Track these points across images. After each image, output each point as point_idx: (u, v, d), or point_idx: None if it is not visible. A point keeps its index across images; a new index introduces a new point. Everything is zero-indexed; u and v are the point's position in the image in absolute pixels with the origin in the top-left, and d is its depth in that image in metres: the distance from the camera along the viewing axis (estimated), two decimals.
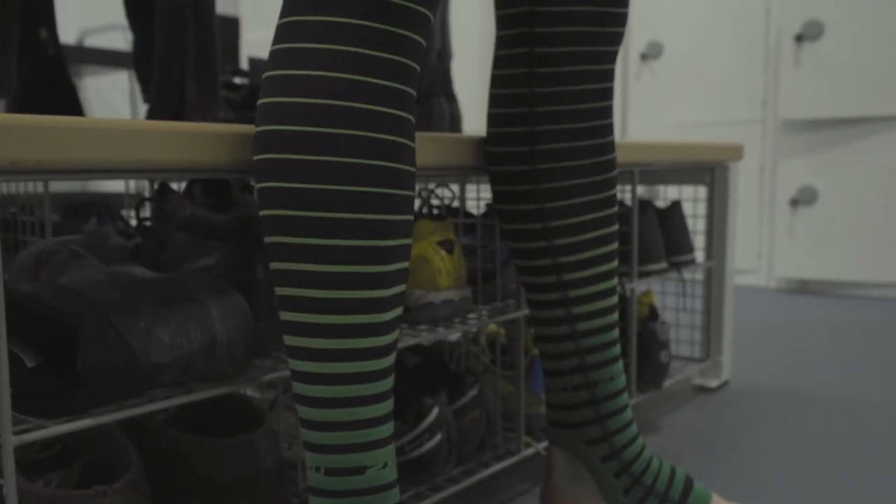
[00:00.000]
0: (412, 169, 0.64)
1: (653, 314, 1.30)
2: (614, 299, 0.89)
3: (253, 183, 0.96)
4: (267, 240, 0.62)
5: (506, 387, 1.11)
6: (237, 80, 1.67)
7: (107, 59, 3.19)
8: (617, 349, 0.89)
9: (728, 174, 1.47)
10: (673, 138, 2.87)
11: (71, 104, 1.22)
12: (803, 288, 2.67)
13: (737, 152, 1.47)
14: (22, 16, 1.15)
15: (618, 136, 3.02)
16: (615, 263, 0.89)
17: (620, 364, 0.89)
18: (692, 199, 1.53)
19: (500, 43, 0.86)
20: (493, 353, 1.15)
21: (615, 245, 0.89)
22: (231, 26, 4.08)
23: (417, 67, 0.64)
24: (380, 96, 0.60)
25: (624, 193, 1.46)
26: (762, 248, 2.72)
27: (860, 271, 2.50)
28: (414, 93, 0.64)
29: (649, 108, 2.92)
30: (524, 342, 1.06)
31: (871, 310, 2.32)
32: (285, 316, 0.62)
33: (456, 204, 1.51)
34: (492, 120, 0.87)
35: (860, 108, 2.42)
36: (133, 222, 1.54)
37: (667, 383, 1.33)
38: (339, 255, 0.60)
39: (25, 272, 0.76)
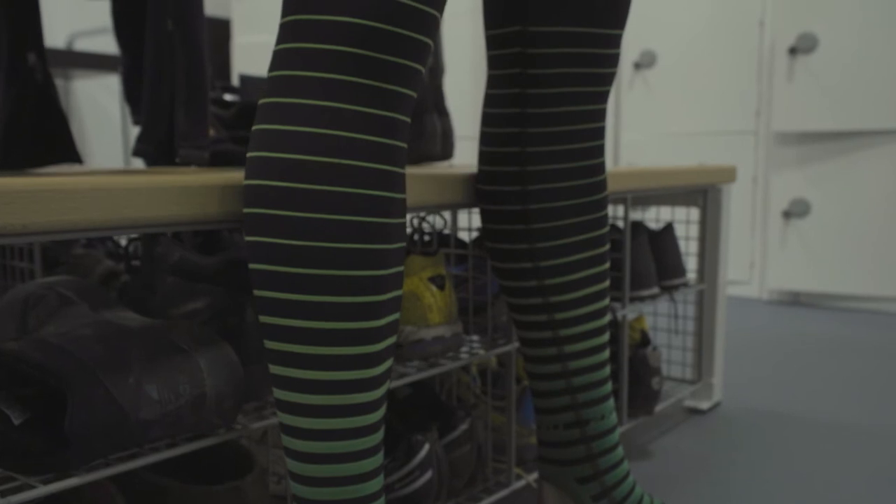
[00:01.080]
0: (402, 196, 0.63)
1: (644, 340, 1.30)
2: (605, 337, 0.88)
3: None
4: (256, 293, 0.61)
5: (497, 417, 1.11)
6: (227, 97, 1.66)
7: (96, 62, 3.17)
8: (608, 387, 0.89)
9: (721, 196, 1.47)
10: (665, 147, 2.87)
11: (60, 132, 1.21)
12: (795, 300, 2.67)
13: (729, 174, 1.47)
14: (9, 41, 1.14)
15: (610, 145, 3.02)
16: (606, 301, 0.89)
17: (612, 401, 0.89)
18: (685, 221, 1.53)
19: (492, 82, 0.85)
20: (483, 383, 1.15)
21: (606, 283, 0.88)
22: (222, 29, 4.06)
23: (409, 119, 0.64)
24: (370, 153, 0.60)
25: (616, 218, 1.46)
26: (754, 258, 2.73)
27: (853, 284, 2.50)
28: (407, 119, 0.63)
29: (642, 116, 2.92)
30: (515, 373, 1.05)
31: (864, 323, 2.32)
32: (274, 370, 0.62)
33: (447, 231, 1.50)
34: (483, 158, 0.87)
35: (854, 121, 2.42)
36: (123, 241, 1.53)
37: (658, 407, 1.33)
38: (329, 311, 0.60)
39: (13, 317, 0.75)
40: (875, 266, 2.47)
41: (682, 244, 2.70)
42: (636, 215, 2.84)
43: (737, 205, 2.73)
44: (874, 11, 2.35)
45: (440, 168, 1.11)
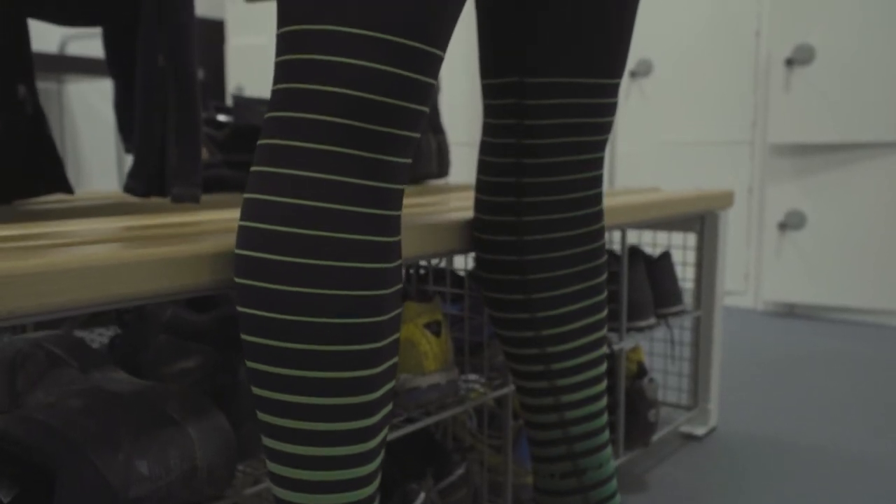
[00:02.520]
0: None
1: (641, 371, 1.29)
2: (603, 385, 0.88)
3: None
4: (248, 364, 0.60)
5: (493, 457, 1.10)
6: (221, 118, 1.64)
7: (89, 67, 3.15)
8: (605, 435, 0.88)
9: (718, 222, 1.46)
10: (661, 157, 2.86)
11: (51, 163, 1.19)
12: (790, 311, 2.67)
13: (726, 200, 1.46)
14: None
15: (605, 155, 3.00)
16: (604, 349, 0.88)
17: (609, 449, 0.88)
18: (681, 246, 1.52)
19: (488, 130, 0.84)
20: (480, 421, 1.14)
21: (604, 331, 0.87)
22: (216, 30, 4.03)
23: (404, 186, 0.63)
24: (363, 225, 0.59)
25: (612, 242, 1.45)
26: (749, 269, 2.72)
27: (848, 296, 2.50)
28: (403, 186, 0.62)
29: (637, 125, 2.91)
30: (511, 412, 1.04)
31: (859, 337, 2.32)
32: (263, 417, 0.60)
33: (443, 265, 1.49)
34: (479, 206, 0.86)
35: (851, 133, 2.41)
36: None
37: (655, 437, 1.32)
38: (322, 386, 0.58)
39: (1, 376, 0.74)
40: (871, 278, 2.46)
41: (678, 269, 2.69)
42: (633, 237, 2.83)
43: (732, 215, 2.73)
44: (872, 23, 2.34)
45: (436, 205, 1.10)
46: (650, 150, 2.88)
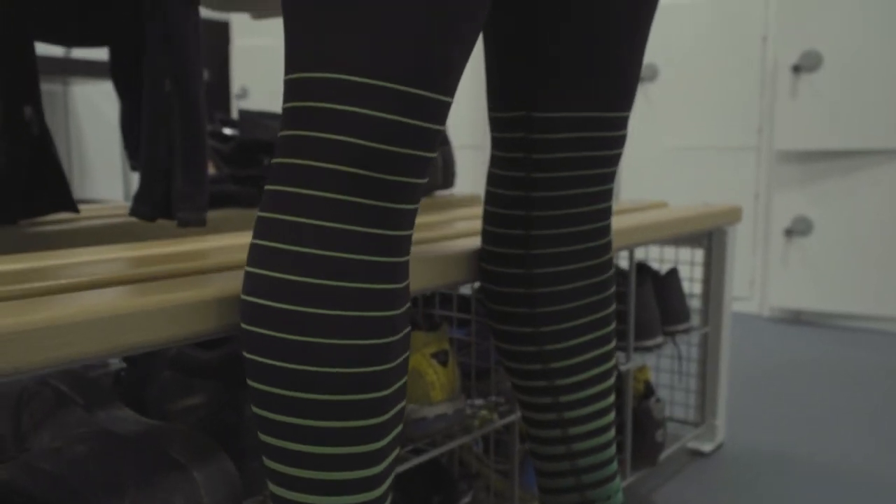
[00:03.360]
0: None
1: (648, 391, 1.28)
2: (611, 416, 0.87)
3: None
4: (254, 410, 0.59)
5: (499, 482, 1.10)
6: (227, 131, 1.64)
7: (94, 69, 3.14)
8: (614, 466, 0.87)
9: (725, 238, 1.45)
10: (666, 162, 2.84)
11: (56, 183, 1.19)
12: (797, 318, 2.66)
13: (735, 215, 1.45)
14: (5, 94, 1.12)
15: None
16: (611, 380, 0.87)
17: (618, 480, 0.88)
18: (689, 262, 1.51)
19: (495, 162, 0.83)
20: (486, 444, 1.13)
21: (612, 362, 0.87)
22: (221, 31, 4.03)
23: (411, 231, 0.62)
24: (370, 274, 0.58)
25: (619, 257, 1.44)
26: (755, 275, 2.71)
27: (855, 303, 2.49)
28: (410, 232, 0.61)
29: (643, 130, 2.90)
30: (518, 437, 1.04)
31: (866, 345, 2.31)
32: (268, 463, 0.60)
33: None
34: (487, 237, 0.85)
35: (858, 140, 2.40)
36: None
37: (662, 456, 1.31)
38: (329, 435, 0.58)
39: (7, 414, 0.73)
40: (878, 285, 2.45)
41: (686, 284, 2.67)
42: (640, 252, 2.82)
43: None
44: (879, 30, 2.33)
45: (441, 226, 1.09)
46: (656, 155, 2.87)
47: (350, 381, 0.58)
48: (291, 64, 0.58)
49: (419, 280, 0.82)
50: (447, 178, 1.84)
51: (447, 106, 0.60)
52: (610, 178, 0.83)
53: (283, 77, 0.60)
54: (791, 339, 2.39)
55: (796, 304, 2.59)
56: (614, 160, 0.82)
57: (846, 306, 2.50)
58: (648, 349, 1.28)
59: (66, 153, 3.86)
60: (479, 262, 0.87)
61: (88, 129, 3.82)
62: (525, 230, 0.82)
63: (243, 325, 0.59)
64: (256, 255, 0.59)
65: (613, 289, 0.86)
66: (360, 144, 0.56)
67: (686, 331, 1.37)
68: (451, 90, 0.59)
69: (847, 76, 2.39)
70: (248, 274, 0.60)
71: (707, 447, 1.49)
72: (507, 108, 0.79)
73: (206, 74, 4.25)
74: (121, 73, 1.25)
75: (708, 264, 1.46)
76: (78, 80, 3.30)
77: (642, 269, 1.38)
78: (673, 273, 1.38)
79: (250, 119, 1.57)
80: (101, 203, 3.34)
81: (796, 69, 2.44)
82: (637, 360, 1.25)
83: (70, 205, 1.22)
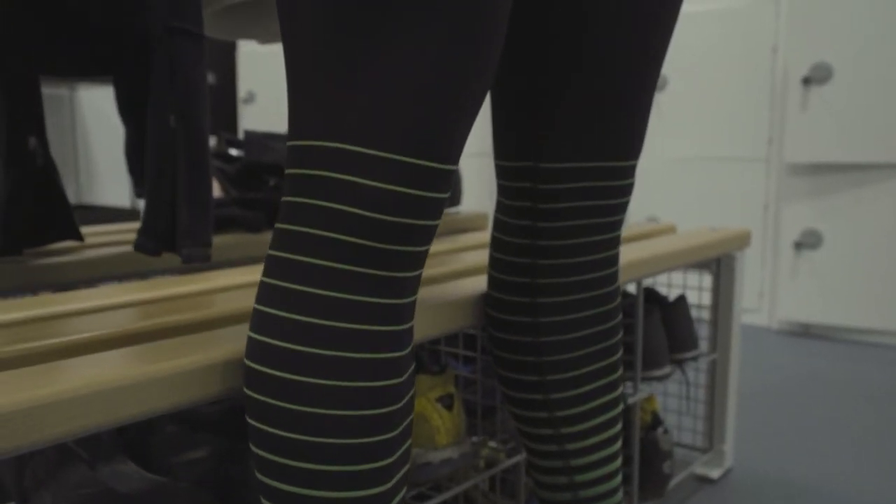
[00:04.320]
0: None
1: (655, 421, 1.28)
2: (617, 446, 0.86)
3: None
4: (258, 476, 0.59)
5: None
6: (232, 152, 1.64)
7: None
8: (618, 496, 0.87)
9: (734, 264, 1.44)
10: (674, 172, 2.83)
11: (60, 213, 1.19)
12: (806, 331, 2.64)
13: (744, 240, 1.44)
14: (9, 124, 1.12)
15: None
16: (618, 409, 0.86)
17: None
18: (697, 287, 1.50)
19: (502, 209, 0.82)
20: (492, 481, 1.12)
21: (618, 391, 0.86)
22: None
23: (415, 297, 0.61)
24: (372, 343, 0.57)
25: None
26: (764, 287, 2.70)
27: (865, 318, 2.47)
28: (414, 297, 0.61)
29: (652, 141, 2.88)
30: (524, 473, 1.03)
31: (877, 360, 2.29)
32: None
33: None
34: (493, 283, 0.84)
35: (868, 154, 2.38)
36: None
37: (670, 486, 1.30)
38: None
39: (9, 471, 0.73)
40: (888, 300, 2.43)
41: (693, 310, 2.66)
42: (647, 279, 2.81)
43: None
44: (890, 44, 2.31)
45: (447, 261, 1.08)
46: (665, 165, 2.85)
47: (352, 451, 0.57)
48: (295, 130, 0.57)
49: (424, 327, 0.81)
50: (454, 196, 1.83)
51: (451, 173, 0.59)
52: (617, 225, 0.82)
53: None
54: (800, 353, 2.37)
55: (805, 318, 2.57)
56: (622, 208, 0.81)
57: (856, 320, 2.49)
58: (656, 379, 1.27)
59: (73, 157, 3.86)
60: (486, 307, 0.86)
61: (95, 134, 3.82)
62: (531, 278, 0.81)
63: (246, 391, 0.59)
64: (259, 320, 0.59)
65: (620, 317, 0.85)
66: (362, 215, 0.55)
67: (694, 358, 1.36)
68: (455, 158, 0.58)
69: (857, 89, 2.37)
70: (250, 339, 0.59)
71: (715, 473, 1.48)
72: (513, 158, 0.78)
73: (212, 78, 4.25)
74: (126, 101, 1.25)
75: (716, 290, 1.45)
76: (84, 84, 3.30)
77: (650, 296, 1.37)
78: (681, 300, 1.37)
79: (256, 141, 1.56)
80: (105, 208, 3.33)
81: (806, 81, 2.42)
82: (644, 390, 1.24)
83: (74, 233, 1.22)
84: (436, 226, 0.59)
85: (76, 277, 1.12)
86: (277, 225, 0.59)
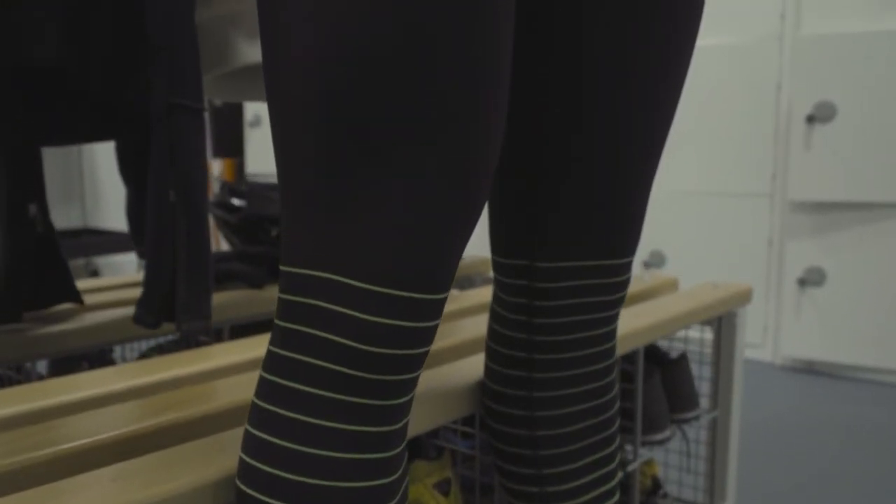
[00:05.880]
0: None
1: (655, 485, 1.27)
2: None
3: None
4: None
5: None
6: (235, 201, 1.64)
7: None
8: None
9: (735, 321, 1.43)
10: (677, 206, 2.83)
11: (60, 278, 1.19)
12: (809, 368, 2.63)
13: (745, 297, 1.44)
14: (9, 192, 1.12)
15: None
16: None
17: None
18: (698, 344, 1.50)
19: (498, 301, 0.82)
20: None
21: (614, 482, 0.85)
22: None
23: (407, 420, 0.61)
24: (363, 472, 0.57)
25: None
26: (768, 322, 2.69)
27: (870, 356, 2.46)
28: (406, 421, 0.61)
29: (657, 174, 2.88)
30: None
31: (882, 401, 2.28)
32: None
33: None
34: (489, 374, 0.84)
35: (871, 193, 2.37)
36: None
37: None
38: None
39: None
40: (892, 338, 2.42)
41: (694, 367, 2.65)
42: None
43: (751, 267, 2.69)
44: (894, 83, 2.30)
45: (447, 337, 1.08)
46: (669, 198, 2.85)
47: None
48: (288, 256, 0.57)
49: (420, 422, 0.81)
50: None
51: (444, 300, 0.59)
52: (614, 318, 0.81)
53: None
54: (803, 392, 2.36)
55: (809, 355, 2.56)
56: (618, 303, 0.81)
57: (860, 358, 2.48)
58: (657, 443, 1.26)
59: (79, 180, 3.88)
60: (483, 397, 0.86)
61: (101, 156, 3.84)
62: (527, 372, 0.81)
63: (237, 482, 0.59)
64: (250, 444, 0.59)
65: (616, 391, 0.84)
66: (356, 348, 0.55)
67: (696, 418, 1.35)
68: (447, 286, 0.58)
69: (861, 128, 2.37)
70: (241, 461, 0.59)
71: None
72: (509, 256, 0.78)
73: (219, 101, 4.25)
74: (127, 162, 1.25)
75: (717, 346, 1.44)
76: None
77: (650, 355, 1.37)
78: (682, 359, 1.37)
79: (258, 192, 1.56)
80: (111, 232, 3.32)
81: (810, 119, 2.42)
82: (644, 454, 1.23)
83: (74, 296, 1.22)
84: (427, 352, 0.59)
85: (76, 346, 1.12)
86: (269, 347, 0.59)
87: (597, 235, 0.76)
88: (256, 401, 0.59)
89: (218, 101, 4.33)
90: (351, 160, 0.53)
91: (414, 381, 0.59)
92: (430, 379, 0.88)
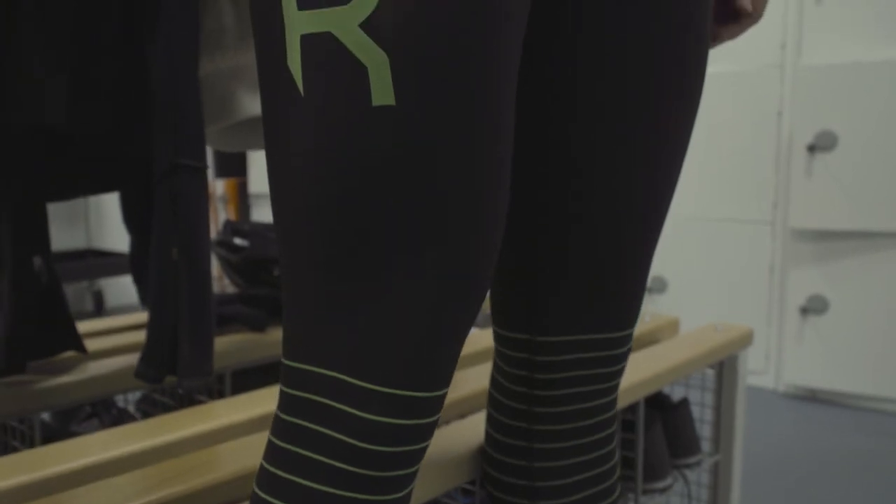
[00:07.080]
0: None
1: None
2: None
3: None
4: None
5: None
6: (237, 241, 1.65)
7: None
8: None
9: (737, 363, 1.44)
10: (677, 231, 2.83)
11: (64, 329, 1.19)
12: (812, 396, 2.63)
13: (746, 339, 1.44)
14: (14, 245, 1.13)
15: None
16: None
17: None
18: (699, 386, 1.50)
19: (499, 370, 0.83)
20: None
21: (613, 497, 0.85)
22: None
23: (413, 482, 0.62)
24: None
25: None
26: (770, 349, 2.69)
27: (873, 385, 2.46)
28: (410, 491, 0.61)
29: None
30: None
31: (885, 431, 2.28)
32: None
33: None
34: (489, 441, 0.84)
35: (873, 222, 2.37)
36: (131, 408, 1.51)
37: None
38: None
39: None
40: (895, 367, 2.42)
41: (695, 409, 2.64)
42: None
43: (753, 294, 2.69)
44: (895, 113, 2.31)
45: (450, 395, 1.09)
46: (671, 224, 2.85)
47: None
48: (288, 348, 0.58)
49: (421, 491, 0.81)
50: None
51: (445, 396, 0.59)
52: (614, 389, 0.82)
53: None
54: (806, 421, 2.36)
55: (811, 383, 2.56)
56: (618, 374, 0.81)
57: (863, 387, 2.47)
58: (658, 491, 1.26)
59: (83, 200, 3.88)
60: (483, 464, 0.86)
61: None
62: (527, 443, 0.81)
63: None
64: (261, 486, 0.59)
65: (615, 443, 0.84)
66: (358, 446, 0.56)
67: (697, 463, 1.36)
68: (448, 381, 0.58)
69: (862, 158, 2.37)
70: None
71: None
72: (510, 329, 0.79)
73: None
74: (131, 212, 1.26)
75: (719, 390, 1.44)
76: None
77: (651, 400, 1.37)
78: (684, 404, 1.37)
79: (260, 233, 1.57)
80: (115, 254, 3.32)
81: (811, 149, 2.42)
82: (646, 503, 1.23)
83: (77, 345, 1.23)
84: (429, 443, 0.60)
85: (79, 398, 1.13)
86: (270, 437, 0.60)
87: (597, 310, 0.76)
88: (257, 490, 0.60)
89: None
90: (351, 263, 0.53)
91: (414, 475, 0.60)
92: (431, 444, 0.88)
